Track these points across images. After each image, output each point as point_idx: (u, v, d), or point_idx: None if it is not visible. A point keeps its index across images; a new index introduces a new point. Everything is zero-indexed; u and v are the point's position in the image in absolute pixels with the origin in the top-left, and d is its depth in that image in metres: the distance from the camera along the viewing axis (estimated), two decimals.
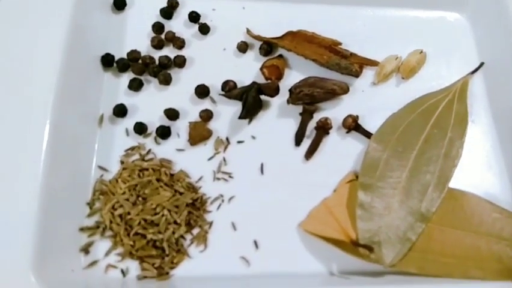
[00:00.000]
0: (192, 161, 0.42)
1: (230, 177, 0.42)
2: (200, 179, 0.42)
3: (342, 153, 0.44)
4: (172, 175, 0.41)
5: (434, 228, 0.38)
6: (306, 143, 0.44)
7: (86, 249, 0.38)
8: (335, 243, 0.38)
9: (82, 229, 0.39)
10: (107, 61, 0.45)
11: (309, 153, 0.43)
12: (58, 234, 0.37)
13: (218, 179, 0.42)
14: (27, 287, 0.33)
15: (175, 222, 0.39)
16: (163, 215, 0.38)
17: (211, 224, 0.40)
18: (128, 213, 0.38)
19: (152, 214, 0.38)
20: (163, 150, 0.43)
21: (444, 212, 0.39)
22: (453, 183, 0.41)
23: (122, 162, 0.42)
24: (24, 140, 0.37)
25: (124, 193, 0.39)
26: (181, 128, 0.44)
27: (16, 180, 0.36)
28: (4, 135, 0.37)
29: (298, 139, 0.43)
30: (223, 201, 0.41)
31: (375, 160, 0.41)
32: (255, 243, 0.39)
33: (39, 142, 0.37)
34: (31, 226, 0.35)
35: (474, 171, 0.44)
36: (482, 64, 0.48)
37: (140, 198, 0.39)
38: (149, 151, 0.42)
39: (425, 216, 0.39)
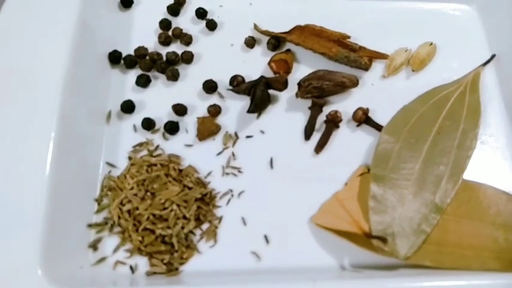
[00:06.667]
0: (200, 156, 0.42)
1: (239, 172, 0.41)
2: (209, 174, 0.41)
3: (352, 146, 0.43)
4: (180, 170, 0.41)
5: (449, 220, 0.37)
6: (316, 136, 0.43)
7: (94, 246, 0.37)
8: (347, 236, 0.37)
9: (90, 225, 0.38)
10: (115, 58, 0.45)
11: (319, 147, 0.42)
12: (66, 230, 0.36)
13: (227, 174, 0.41)
14: (36, 284, 0.33)
15: (184, 217, 0.38)
16: (171, 210, 0.38)
17: (220, 219, 0.39)
18: (137, 209, 0.38)
19: (161, 209, 0.38)
20: (172, 145, 0.42)
21: (459, 203, 0.38)
22: (468, 175, 0.40)
23: (130, 158, 0.41)
24: (32, 136, 0.37)
25: (132, 188, 0.39)
26: (189, 123, 0.43)
27: (24, 176, 0.36)
28: (12, 132, 0.37)
29: (308, 133, 0.43)
30: (232, 196, 0.40)
31: (387, 152, 0.41)
32: (266, 238, 0.39)
33: (47, 139, 0.37)
34: (39, 223, 0.34)
35: (489, 163, 0.43)
36: (493, 56, 0.48)
37: (148, 193, 0.39)
38: (157, 147, 0.42)
39: (439, 208, 0.38)
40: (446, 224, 0.37)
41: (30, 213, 0.35)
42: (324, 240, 0.39)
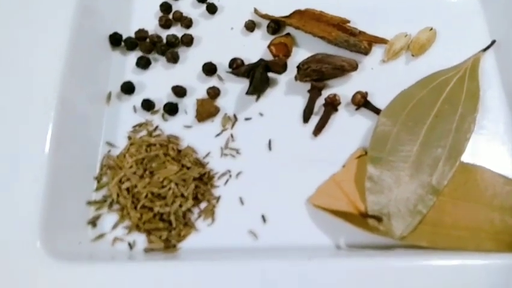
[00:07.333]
0: (199, 138, 0.42)
1: (237, 153, 0.42)
2: (207, 155, 0.41)
3: (351, 129, 0.43)
4: (179, 151, 0.41)
5: (446, 202, 0.38)
6: (315, 119, 0.43)
7: (93, 222, 0.38)
8: (344, 216, 0.37)
9: (89, 203, 0.39)
10: (115, 40, 0.45)
11: (318, 130, 0.43)
12: (66, 207, 0.37)
13: (225, 155, 0.42)
14: (34, 255, 0.33)
15: (182, 196, 0.38)
16: (170, 188, 0.38)
17: (218, 198, 0.40)
18: (135, 187, 0.38)
19: (160, 187, 0.38)
20: (171, 126, 0.43)
21: (456, 186, 0.38)
22: (465, 158, 0.40)
23: (129, 138, 0.42)
24: (33, 116, 0.38)
25: (131, 167, 0.39)
26: (188, 105, 0.44)
27: (25, 154, 0.37)
28: (13, 111, 0.38)
29: (307, 116, 0.43)
30: (230, 176, 0.41)
31: (385, 134, 0.41)
32: (263, 217, 0.39)
33: (47, 118, 0.38)
34: (39, 198, 0.35)
35: (487, 148, 0.42)
36: (493, 42, 0.48)
37: (147, 172, 0.39)
38: (156, 127, 0.42)
39: (436, 189, 0.38)
40: (443, 205, 0.37)
41: (31, 189, 0.35)
42: (321, 220, 0.39)
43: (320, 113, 0.44)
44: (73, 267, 0.33)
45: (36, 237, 0.33)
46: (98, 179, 0.40)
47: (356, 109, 0.44)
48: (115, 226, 0.38)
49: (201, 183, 0.39)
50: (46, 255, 0.33)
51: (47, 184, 0.36)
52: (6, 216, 0.34)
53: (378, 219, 0.36)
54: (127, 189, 0.38)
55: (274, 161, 0.41)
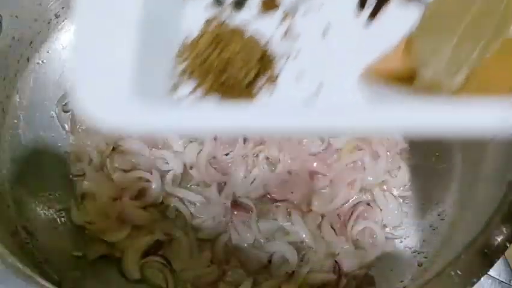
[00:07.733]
0: (262, 28, 0.48)
1: (296, 39, 0.47)
2: (269, 40, 0.47)
3: (401, 20, 0.46)
4: (244, 38, 0.47)
5: (490, 65, 0.40)
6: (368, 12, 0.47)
7: (175, 86, 0.45)
8: (393, 79, 0.41)
9: (170, 75, 0.46)
10: None
11: (372, 15, 0.47)
12: (153, 75, 0.44)
13: (286, 40, 0.47)
14: (126, 102, 0.41)
15: (246, 69, 0.44)
16: (235, 62, 0.44)
17: (278, 75, 0.45)
18: (206, 61, 0.45)
19: (227, 61, 0.44)
20: (237, 20, 0.49)
21: (500, 54, 0.41)
22: None
23: (202, 29, 0.48)
24: (122, 15, 0.45)
25: (203, 46, 0.46)
26: (253, 2, 0.49)
27: (117, 38, 0.44)
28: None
29: (362, 2, 0.47)
30: (288, 57, 0.46)
31: (433, 15, 0.44)
32: (318, 89, 0.44)
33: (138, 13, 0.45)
34: (132, 66, 0.42)
35: None
36: None
37: (217, 50, 0.45)
38: (224, 21, 0.49)
39: (481, 56, 0.40)
40: (487, 69, 0.40)
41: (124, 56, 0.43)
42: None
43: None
44: (159, 107, 0.41)
45: (129, 84, 0.41)
46: (178, 56, 0.46)
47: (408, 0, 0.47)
48: (191, 92, 0.45)
49: (263, 61, 0.45)
50: (136, 96, 0.40)
51: (139, 52, 0.43)
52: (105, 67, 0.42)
53: (427, 73, 0.39)
54: (201, 63, 0.45)
55: (330, 46, 0.46)
